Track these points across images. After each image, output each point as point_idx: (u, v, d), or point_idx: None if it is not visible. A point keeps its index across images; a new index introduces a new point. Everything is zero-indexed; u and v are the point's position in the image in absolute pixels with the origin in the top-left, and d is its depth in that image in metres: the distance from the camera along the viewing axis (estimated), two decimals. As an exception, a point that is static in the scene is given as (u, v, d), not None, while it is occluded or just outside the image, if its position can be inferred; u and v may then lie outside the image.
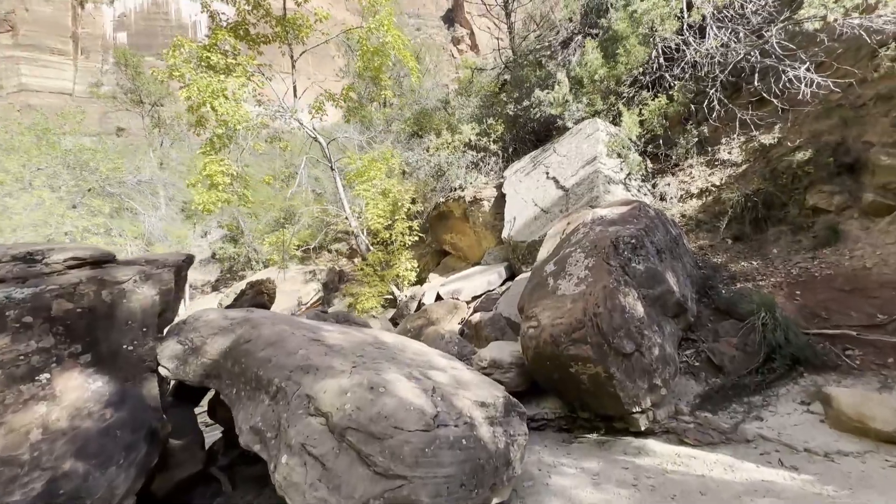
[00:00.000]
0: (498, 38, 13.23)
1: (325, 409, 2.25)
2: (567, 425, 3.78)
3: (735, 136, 5.70)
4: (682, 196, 5.85)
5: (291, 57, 8.14)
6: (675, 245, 4.18)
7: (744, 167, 5.36)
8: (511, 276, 7.10)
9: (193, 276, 19.88)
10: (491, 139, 9.69)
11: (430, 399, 2.37)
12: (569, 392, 3.52)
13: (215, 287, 18.76)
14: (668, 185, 6.09)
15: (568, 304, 3.41)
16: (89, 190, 11.25)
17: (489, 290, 6.77)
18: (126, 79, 23.15)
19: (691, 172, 6.03)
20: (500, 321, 5.44)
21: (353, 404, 2.20)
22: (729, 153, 5.65)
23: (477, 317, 5.62)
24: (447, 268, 10.18)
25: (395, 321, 7.77)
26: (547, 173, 7.27)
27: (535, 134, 9.48)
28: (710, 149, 5.96)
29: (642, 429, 3.24)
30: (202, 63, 6.35)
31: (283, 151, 9.33)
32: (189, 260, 3.79)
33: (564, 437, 3.65)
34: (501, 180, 8.77)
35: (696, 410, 3.27)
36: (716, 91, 5.75)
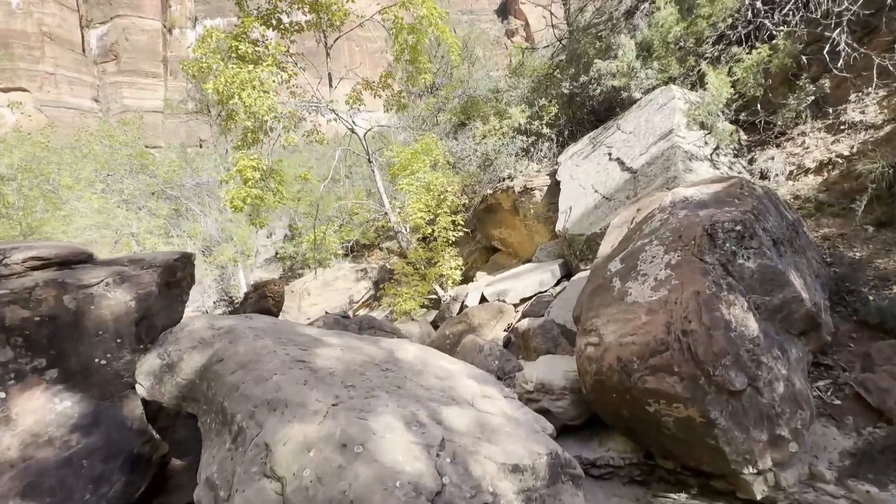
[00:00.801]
0: (552, 15, 12.06)
1: (281, 472, 1.55)
2: (641, 476, 2.84)
3: (870, 89, 4.30)
4: (792, 172, 4.55)
5: (326, 44, 7.72)
6: (794, 234, 3.04)
7: (886, 129, 3.98)
8: (567, 274, 6.10)
9: (259, 274, 20.81)
10: (543, 122, 8.66)
11: (433, 462, 1.59)
12: (645, 434, 2.58)
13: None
14: (772, 159, 4.80)
15: (642, 315, 2.47)
16: (153, 193, 11.77)
17: (541, 292, 5.84)
18: (196, 90, 24.70)
19: (804, 141, 4.70)
20: (552, 329, 4.53)
21: (313, 472, 1.48)
22: (862, 113, 4.27)
23: (525, 323, 4.74)
24: (496, 266, 9.32)
25: (436, 324, 7.06)
26: (609, 154, 6.17)
27: (594, 114, 8.32)
28: (831, 109, 4.58)
29: (758, 497, 2.24)
30: (231, 54, 6.08)
31: (321, 145, 8.96)
32: (185, 258, 3.31)
33: (639, 494, 2.71)
34: (555, 167, 7.75)
35: (846, 477, 2.20)
36: (842, 33, 4.37)
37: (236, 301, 17.40)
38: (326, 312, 5.50)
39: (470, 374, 2.96)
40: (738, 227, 2.52)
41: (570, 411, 3.04)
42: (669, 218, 3.06)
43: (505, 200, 8.61)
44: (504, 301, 5.90)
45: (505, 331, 5.38)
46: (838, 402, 2.59)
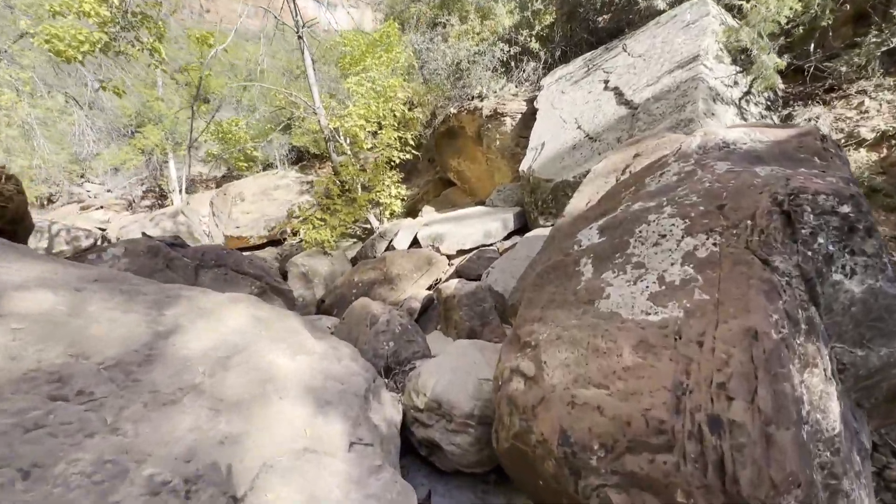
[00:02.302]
0: None
1: None
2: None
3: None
4: (840, 142, 3.36)
5: None
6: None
7: None
8: (522, 227, 4.88)
9: (200, 170, 18.26)
10: (533, 33, 6.91)
11: None
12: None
13: (219, 184, 17.24)
14: (816, 119, 3.57)
15: (626, 351, 1.27)
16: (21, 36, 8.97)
17: (485, 245, 4.62)
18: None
19: (863, 103, 3.47)
20: (484, 301, 3.35)
21: None
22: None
23: (452, 286, 3.53)
24: (447, 202, 7.96)
25: (357, 261, 5.77)
26: (606, 82, 4.71)
27: (595, 34, 6.67)
28: (914, 63, 3.33)
29: None
30: None
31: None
32: None
33: None
34: (536, 93, 6.20)
35: None
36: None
37: (169, 196, 15.06)
38: (144, 234, 4.02)
39: (311, 384, 1.72)
40: (846, 210, 1.27)
41: (469, 454, 1.91)
42: (697, 172, 1.78)
43: (470, 125, 7.05)
44: (438, 249, 4.64)
45: (428, 289, 4.17)
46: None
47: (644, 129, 3.69)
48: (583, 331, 1.44)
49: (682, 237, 1.47)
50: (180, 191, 14.66)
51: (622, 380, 1.21)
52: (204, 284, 2.61)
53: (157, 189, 16.46)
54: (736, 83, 3.80)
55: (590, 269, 1.68)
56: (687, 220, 1.51)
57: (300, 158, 16.77)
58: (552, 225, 4.28)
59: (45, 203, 15.52)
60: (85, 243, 9.85)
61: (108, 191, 17.26)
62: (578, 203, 2.68)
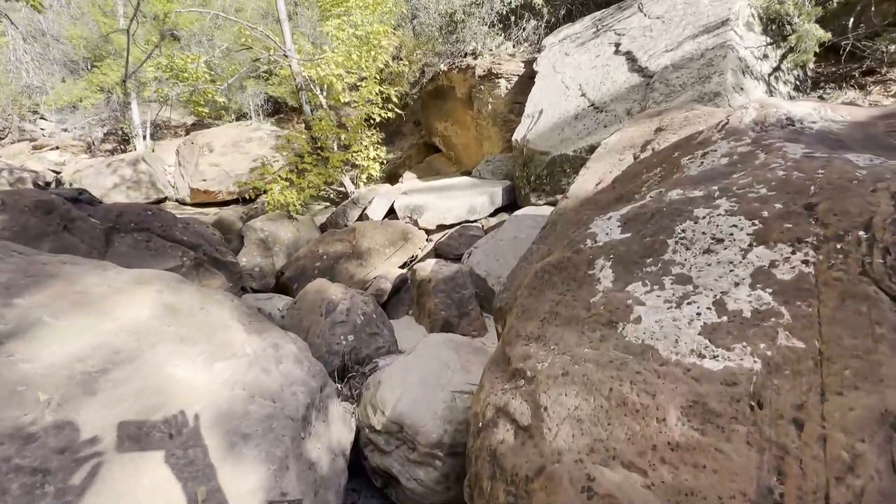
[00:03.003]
0: None
1: None
2: None
3: None
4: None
5: None
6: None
7: None
8: (510, 204, 4.42)
9: (171, 116, 16.87)
10: (539, -14, 6.21)
11: None
12: None
13: (189, 132, 16.00)
14: (849, 104, 3.14)
15: (673, 416, 0.84)
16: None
17: (468, 221, 4.15)
18: None
19: (904, 91, 3.07)
20: (464, 287, 2.93)
21: None
22: None
23: (428, 268, 3.08)
24: (430, 169, 7.39)
25: (327, 228, 5.23)
26: (617, 45, 4.17)
27: (607, -7, 6.02)
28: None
29: None
30: None
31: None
32: None
33: None
34: (536, 55, 5.60)
35: None
36: None
37: (131, 141, 13.84)
38: (36, 184, 3.38)
39: (226, 409, 1.27)
40: None
41: (434, 494, 1.52)
42: (759, 154, 1.34)
43: (460, 85, 6.41)
44: (416, 222, 4.15)
45: (402, 266, 3.72)
46: None
47: (660, 101, 3.22)
48: (603, 369, 1.02)
49: (751, 245, 1.04)
50: (144, 136, 13.44)
51: (669, 465, 0.80)
52: (118, 254, 2.07)
53: (120, 132, 15.24)
54: (766, 56, 3.34)
55: (609, 276, 1.26)
56: (757, 222, 1.08)
57: (277, 110, 15.67)
58: (546, 203, 3.84)
59: (-8, 139, 14.13)
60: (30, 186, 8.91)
61: (65, 130, 15.79)
62: (586, 183, 2.23)
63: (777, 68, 3.32)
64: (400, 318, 3.28)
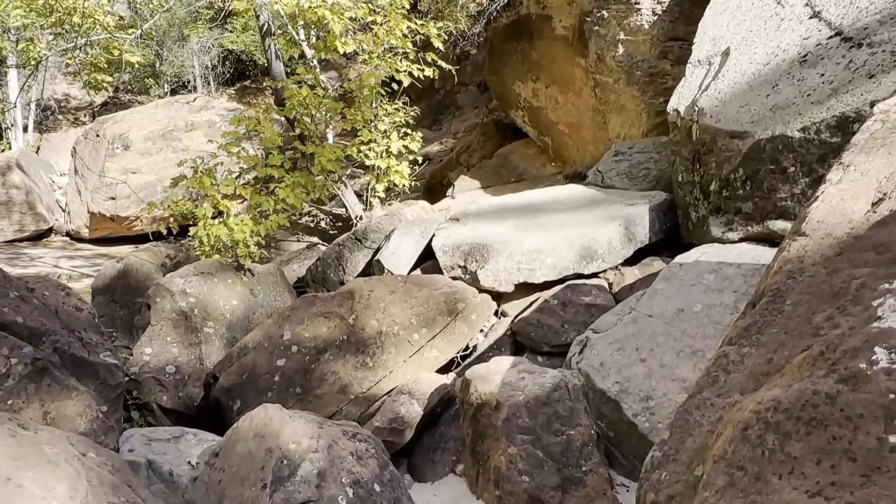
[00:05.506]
0: None
1: None
2: None
3: None
4: None
5: None
6: None
7: None
8: (667, 237, 2.83)
9: (70, 91, 12.68)
10: None
11: None
12: None
13: (96, 115, 10.30)
14: None
15: None
16: None
17: (580, 276, 2.60)
18: None
19: None
20: (571, 421, 1.72)
21: None
22: None
23: (498, 377, 1.77)
24: (506, 171, 5.15)
25: (302, 289, 3.49)
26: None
27: None
28: None
29: None
30: None
31: None
32: None
33: None
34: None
35: None
36: None
37: (3, 135, 9.34)
38: None
39: None
40: None
41: None
42: None
43: (562, 11, 4.19)
44: (475, 278, 2.66)
45: (444, 370, 2.32)
46: None
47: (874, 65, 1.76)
48: None
49: None
50: (25, 126, 9.42)
51: None
52: None
53: (-3, 111, 9.56)
54: None
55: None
56: None
57: (241, 75, 11.15)
58: (744, 239, 2.31)
59: None
60: None
61: None
62: (845, 200, 1.14)
63: None
64: (438, 479, 1.98)
